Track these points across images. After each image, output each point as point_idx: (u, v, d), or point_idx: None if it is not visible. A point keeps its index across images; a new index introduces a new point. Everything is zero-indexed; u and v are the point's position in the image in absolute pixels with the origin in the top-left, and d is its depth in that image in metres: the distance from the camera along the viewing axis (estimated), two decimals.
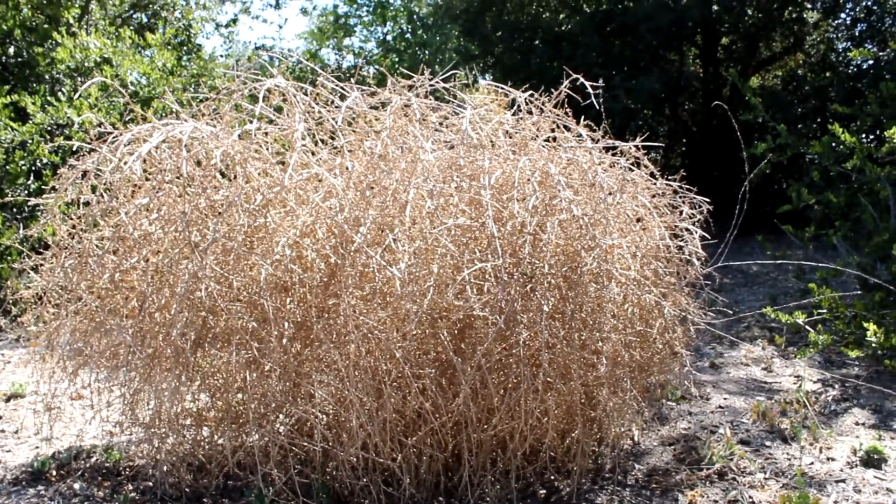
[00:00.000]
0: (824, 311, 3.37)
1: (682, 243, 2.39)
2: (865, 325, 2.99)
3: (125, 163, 2.12)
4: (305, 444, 2.03)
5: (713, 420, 2.91)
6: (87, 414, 2.73)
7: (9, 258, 4.33)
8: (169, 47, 5.39)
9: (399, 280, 1.88)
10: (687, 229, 2.40)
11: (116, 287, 2.16)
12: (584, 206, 2.15)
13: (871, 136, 6.31)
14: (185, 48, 5.98)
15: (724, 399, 3.14)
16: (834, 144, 4.02)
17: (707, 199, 2.56)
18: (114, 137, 2.32)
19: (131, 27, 5.55)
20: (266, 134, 2.29)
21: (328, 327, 2.03)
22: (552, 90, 7.07)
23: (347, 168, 2.15)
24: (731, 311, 4.31)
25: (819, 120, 6.94)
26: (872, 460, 2.54)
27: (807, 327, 3.42)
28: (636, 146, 2.40)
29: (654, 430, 2.80)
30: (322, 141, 2.45)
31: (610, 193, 2.22)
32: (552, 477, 2.38)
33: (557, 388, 2.05)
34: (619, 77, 7.23)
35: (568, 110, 2.45)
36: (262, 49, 6.27)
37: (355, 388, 1.96)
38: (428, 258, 2.02)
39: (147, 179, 2.30)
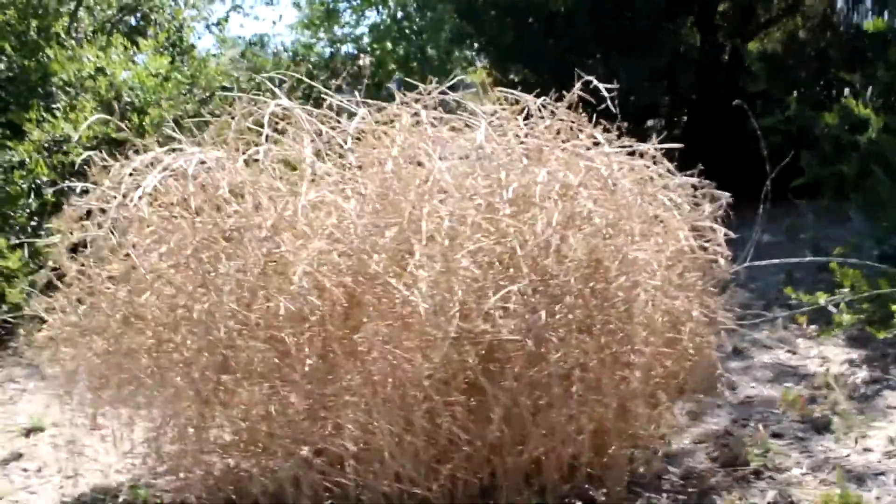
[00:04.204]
0: (846, 289, 3.31)
1: (705, 244, 2.33)
2: (892, 305, 2.94)
3: (130, 200, 2.06)
4: (337, 478, 1.99)
5: (743, 413, 2.87)
6: (111, 446, 2.68)
7: (15, 279, 4.28)
8: (162, 51, 5.30)
9: (424, 310, 1.83)
10: (711, 228, 2.34)
11: (130, 326, 2.10)
12: (606, 213, 2.08)
13: (881, 101, 6.21)
14: (176, 49, 5.87)
15: (752, 388, 3.10)
16: (843, 115, 3.94)
17: (728, 194, 2.51)
18: (116, 169, 2.27)
19: (121, 32, 5.44)
20: (272, 160, 2.22)
21: (352, 359, 1.98)
22: (549, 72, 6.96)
23: (360, 193, 2.08)
24: (750, 286, 4.26)
25: (822, 83, 6.82)
26: None
27: (830, 307, 3.36)
28: (655, 147, 2.33)
29: (684, 427, 2.76)
30: (329, 155, 2.37)
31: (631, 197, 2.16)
32: (586, 486, 2.34)
33: (590, 405, 2.00)
34: (617, 52, 7.11)
35: (582, 113, 2.38)
36: (255, 46, 6.19)
37: (384, 420, 1.92)
38: (449, 281, 1.96)
39: (152, 207, 2.24)
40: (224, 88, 5.76)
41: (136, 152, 2.34)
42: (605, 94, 2.28)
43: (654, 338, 2.05)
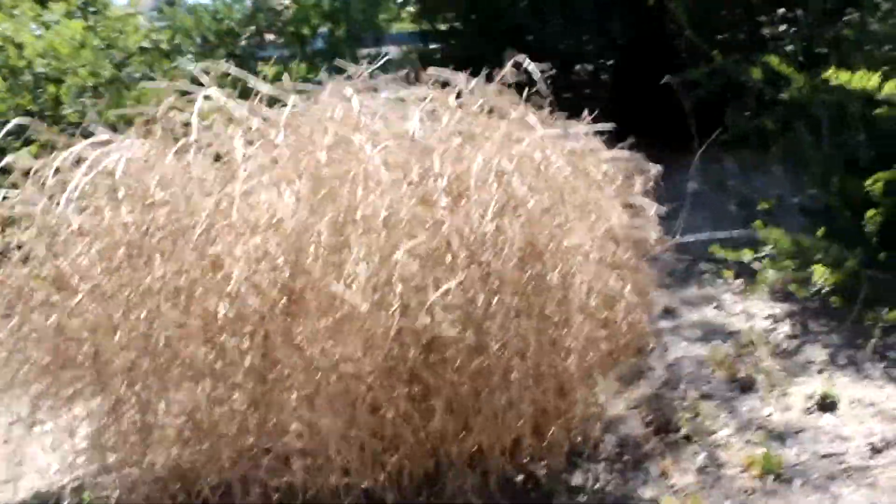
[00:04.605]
0: (771, 247, 3.45)
1: (637, 220, 2.39)
2: (812, 267, 3.08)
3: (56, 204, 2.00)
4: (284, 474, 2.02)
5: (675, 373, 2.98)
6: (50, 448, 2.63)
7: None
8: (75, 13, 5.06)
9: (363, 309, 1.85)
10: (642, 205, 2.40)
11: (63, 333, 2.06)
12: (541, 199, 2.12)
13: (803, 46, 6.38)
14: (90, 8, 5.59)
15: (682, 347, 3.21)
16: (766, 70, 4.01)
17: (659, 167, 2.57)
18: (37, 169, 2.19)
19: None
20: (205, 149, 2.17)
21: (293, 354, 1.99)
22: (477, 20, 6.84)
23: (294, 186, 2.06)
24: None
25: (746, 28, 6.93)
26: (826, 405, 2.65)
27: (754, 265, 3.51)
28: (590, 126, 2.36)
29: (619, 392, 2.86)
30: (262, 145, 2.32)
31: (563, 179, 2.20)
32: (527, 460, 2.42)
33: (530, 390, 2.06)
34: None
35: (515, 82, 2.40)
36: (172, 4, 5.94)
37: (328, 415, 1.94)
38: (388, 276, 1.97)
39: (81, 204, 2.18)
40: (143, 50, 5.54)
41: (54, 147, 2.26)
42: (537, 73, 2.29)
43: (590, 321, 2.11)
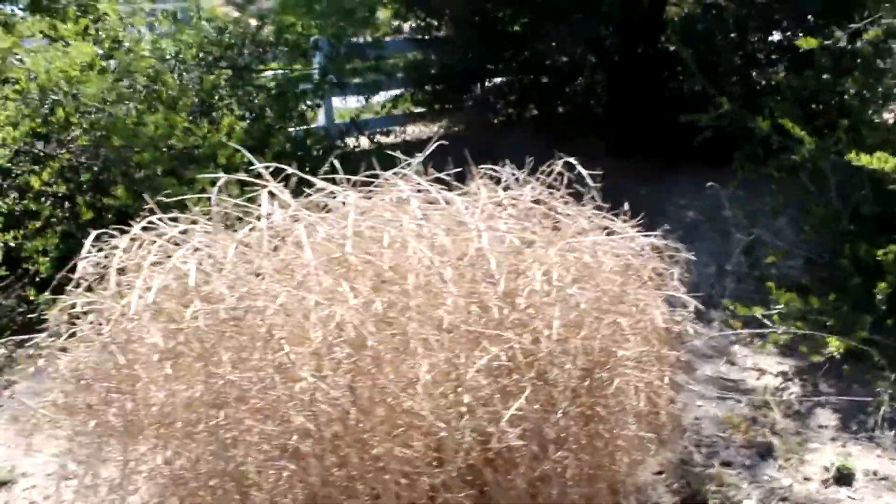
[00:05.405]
0: (781, 305, 3.59)
1: (676, 317, 2.50)
2: (827, 339, 3.22)
3: (134, 314, 2.05)
4: None
5: (694, 436, 3.12)
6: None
7: None
8: (88, 38, 5.03)
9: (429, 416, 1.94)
10: (683, 304, 2.50)
11: (131, 437, 2.13)
12: (595, 307, 2.22)
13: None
14: (101, 33, 5.54)
15: (699, 406, 3.35)
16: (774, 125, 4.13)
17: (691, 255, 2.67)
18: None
19: (41, 17, 5.11)
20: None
21: (363, 460, 2.08)
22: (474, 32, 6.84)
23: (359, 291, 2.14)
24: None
25: (741, 53, 7.06)
26: (843, 477, 2.81)
27: (766, 321, 3.65)
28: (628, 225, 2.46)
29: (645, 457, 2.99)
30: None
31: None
32: None
33: (583, 486, 2.18)
34: (540, 19, 7.23)
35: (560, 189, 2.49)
36: (181, 20, 5.89)
37: None
38: (453, 381, 2.06)
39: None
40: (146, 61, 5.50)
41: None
42: (589, 181, 2.39)
43: (639, 421, 2.23)
